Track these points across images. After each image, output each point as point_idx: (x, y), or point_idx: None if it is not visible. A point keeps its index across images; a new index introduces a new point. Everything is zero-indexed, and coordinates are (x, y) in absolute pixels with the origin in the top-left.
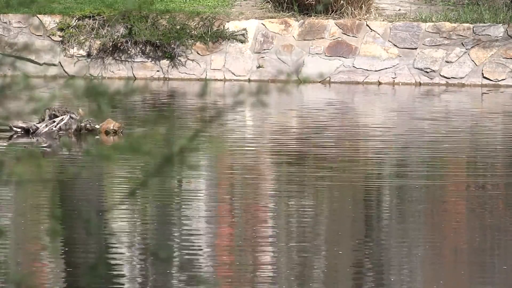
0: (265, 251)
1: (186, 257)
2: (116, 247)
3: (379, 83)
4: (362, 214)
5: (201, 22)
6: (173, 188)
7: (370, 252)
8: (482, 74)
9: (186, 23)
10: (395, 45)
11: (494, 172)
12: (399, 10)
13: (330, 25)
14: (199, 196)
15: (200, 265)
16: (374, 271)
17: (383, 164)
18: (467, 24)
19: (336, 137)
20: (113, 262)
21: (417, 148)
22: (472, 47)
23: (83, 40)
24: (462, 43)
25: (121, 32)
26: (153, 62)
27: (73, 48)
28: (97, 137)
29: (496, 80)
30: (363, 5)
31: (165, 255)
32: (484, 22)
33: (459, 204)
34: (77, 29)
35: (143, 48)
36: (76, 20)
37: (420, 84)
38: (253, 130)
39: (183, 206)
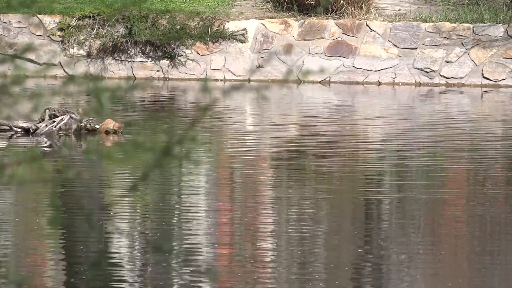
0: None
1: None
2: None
3: (379, 83)
4: (362, 222)
5: (201, 22)
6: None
7: (370, 261)
8: (482, 74)
9: (186, 23)
10: (395, 45)
11: (495, 183)
12: (399, 10)
13: (330, 25)
14: (197, 206)
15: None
16: (375, 280)
17: (382, 171)
18: (467, 24)
19: (336, 139)
20: (114, 259)
21: (416, 152)
22: (472, 47)
23: (83, 40)
24: (462, 43)
25: (121, 32)
26: (153, 62)
27: (73, 48)
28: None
29: (496, 80)
30: (363, 5)
31: (167, 248)
32: (484, 22)
33: (459, 215)
34: (77, 29)
35: (143, 48)
36: (76, 20)
37: (420, 84)
38: (253, 131)
39: (182, 216)
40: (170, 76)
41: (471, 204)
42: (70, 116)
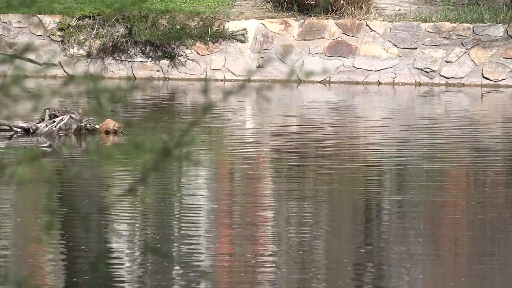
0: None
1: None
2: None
3: (379, 83)
4: (362, 224)
5: (201, 22)
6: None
7: (371, 262)
8: (482, 74)
9: (186, 23)
10: (395, 45)
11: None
12: (399, 10)
13: (330, 25)
14: (196, 207)
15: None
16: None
17: (382, 172)
18: (467, 24)
19: (336, 139)
20: (113, 260)
21: (417, 153)
22: (472, 47)
23: (83, 40)
24: (462, 43)
25: (121, 32)
26: (153, 62)
27: (73, 48)
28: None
29: (496, 80)
30: (363, 5)
31: (165, 250)
32: (484, 22)
33: (460, 216)
34: (77, 29)
35: (143, 48)
36: (76, 20)
37: (420, 84)
38: (252, 131)
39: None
40: (170, 76)
41: (471, 205)
42: (70, 116)
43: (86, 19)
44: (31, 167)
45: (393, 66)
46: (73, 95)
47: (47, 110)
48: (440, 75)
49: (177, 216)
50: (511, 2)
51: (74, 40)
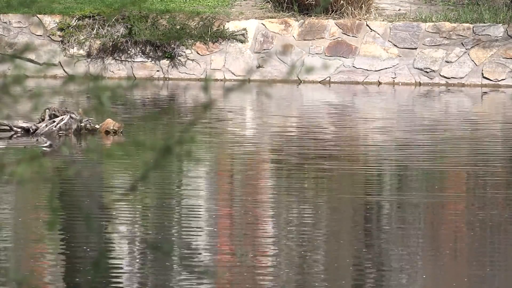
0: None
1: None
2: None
3: (379, 83)
4: (361, 227)
5: (201, 22)
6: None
7: (373, 263)
8: (482, 74)
9: (186, 23)
10: (395, 45)
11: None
12: (399, 10)
13: (330, 25)
14: (197, 208)
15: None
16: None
17: (382, 173)
18: (467, 24)
19: (336, 140)
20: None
21: (417, 153)
22: (472, 47)
23: (83, 40)
24: (462, 43)
25: (121, 32)
26: (153, 62)
27: (73, 48)
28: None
29: (496, 80)
30: (363, 5)
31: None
32: (484, 22)
33: (460, 218)
34: (77, 29)
35: (143, 48)
36: (76, 20)
37: (420, 84)
38: (252, 131)
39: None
40: (170, 76)
41: (472, 206)
42: (70, 116)
43: (86, 19)
44: (31, 166)
45: (393, 66)
46: (74, 95)
47: (47, 110)
48: (440, 75)
49: (177, 215)
50: (511, 2)
51: (74, 40)
